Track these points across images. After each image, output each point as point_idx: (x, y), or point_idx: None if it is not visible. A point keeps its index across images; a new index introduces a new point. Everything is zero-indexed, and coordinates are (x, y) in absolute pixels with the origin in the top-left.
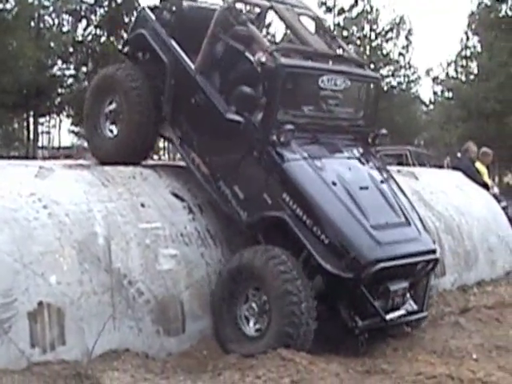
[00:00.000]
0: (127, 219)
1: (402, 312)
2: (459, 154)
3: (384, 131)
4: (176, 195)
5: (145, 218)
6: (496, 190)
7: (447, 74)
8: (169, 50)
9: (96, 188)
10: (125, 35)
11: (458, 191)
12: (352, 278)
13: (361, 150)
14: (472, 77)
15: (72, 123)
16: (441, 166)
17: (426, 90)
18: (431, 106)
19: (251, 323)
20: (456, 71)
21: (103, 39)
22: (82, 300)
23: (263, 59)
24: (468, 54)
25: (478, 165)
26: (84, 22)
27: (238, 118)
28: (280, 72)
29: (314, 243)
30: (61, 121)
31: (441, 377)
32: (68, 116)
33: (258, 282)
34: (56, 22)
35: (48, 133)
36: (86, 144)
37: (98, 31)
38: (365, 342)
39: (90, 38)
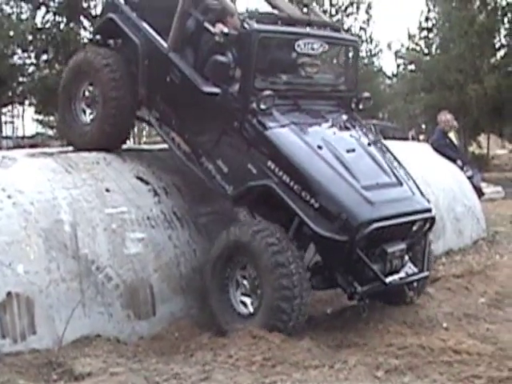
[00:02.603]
0: (93, 205)
1: (401, 275)
2: (424, 126)
3: (367, 94)
4: (141, 179)
5: (110, 203)
6: (459, 162)
7: (408, 47)
8: (139, 31)
9: (60, 175)
10: (85, 21)
11: (423, 162)
12: (346, 240)
13: (344, 116)
14: (433, 48)
15: (35, 111)
16: (406, 139)
17: (388, 64)
18: (394, 79)
19: (245, 301)
20: (417, 44)
21: (63, 26)
22: (50, 288)
23: (225, 30)
24: (429, 25)
25: (452, 135)
26: (43, 9)
27: (214, 89)
28: (254, 37)
29: (304, 208)
30: (24, 110)
31: (412, 347)
32: (30, 104)
33: (246, 257)
34: (14, 10)
35: (11, 122)
36: (50, 132)
37: (58, 18)
38: (366, 308)
39: (49, 25)
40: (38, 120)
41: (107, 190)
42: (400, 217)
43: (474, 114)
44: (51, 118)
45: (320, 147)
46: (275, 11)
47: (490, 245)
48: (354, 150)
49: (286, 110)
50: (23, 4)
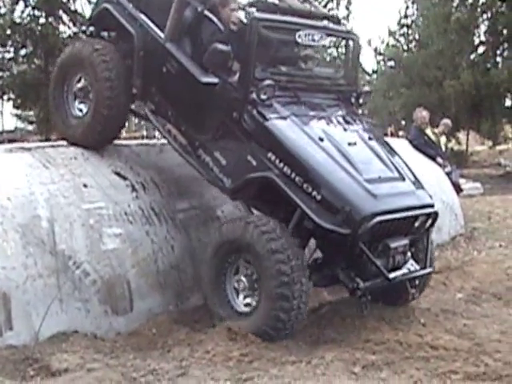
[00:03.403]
0: (70, 200)
1: (404, 271)
2: (403, 122)
3: (367, 89)
4: (118, 174)
5: (88, 199)
6: (439, 160)
7: (387, 43)
8: (135, 21)
9: (37, 170)
10: (64, 16)
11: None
12: (349, 233)
13: (344, 110)
14: (413, 45)
15: (14, 106)
16: (385, 135)
17: (368, 60)
18: (374, 76)
19: (241, 297)
20: (397, 40)
21: (42, 20)
22: (27, 284)
23: (243, 19)
24: (408, 22)
25: (429, 131)
26: (21, 3)
27: (213, 79)
28: (254, 25)
29: (306, 201)
30: (2, 105)
31: (389, 342)
32: (9, 99)
33: (248, 256)
34: None
35: None
36: (29, 127)
37: (36, 12)
38: (368, 305)
39: (27, 19)
40: (16, 115)
41: (85, 186)
42: (403, 211)
43: (452, 111)
44: (30, 113)
45: (321, 139)
46: (275, 1)
47: (468, 241)
48: (355, 144)
49: (286, 101)
50: None
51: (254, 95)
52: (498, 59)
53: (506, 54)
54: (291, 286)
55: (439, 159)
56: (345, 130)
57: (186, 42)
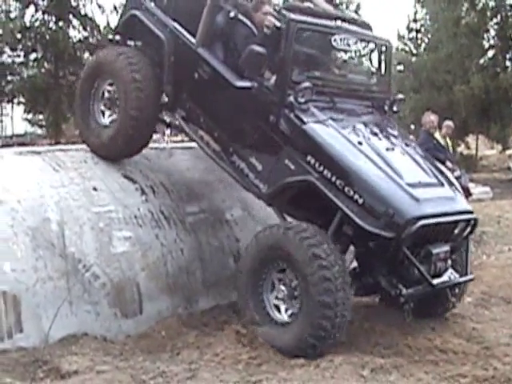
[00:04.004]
0: (80, 203)
1: (445, 278)
2: (412, 126)
3: (401, 96)
4: (128, 177)
5: (97, 202)
6: (449, 164)
7: (397, 47)
8: (165, 27)
9: (47, 174)
10: (74, 20)
11: None
12: (393, 237)
13: (379, 117)
14: (422, 49)
15: (24, 111)
16: None
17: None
18: None
19: (280, 307)
20: (405, 44)
21: (52, 24)
22: (37, 286)
23: (277, 23)
24: (418, 26)
25: (438, 135)
26: (32, 7)
27: (248, 83)
28: (291, 27)
29: (348, 204)
30: (13, 109)
31: (398, 346)
32: (19, 103)
33: (287, 264)
34: (3, 8)
35: (0, 121)
36: (39, 131)
37: (47, 17)
38: (410, 313)
39: (38, 23)
40: (27, 119)
41: (94, 189)
42: (445, 216)
43: (461, 115)
44: (40, 117)
45: (360, 143)
46: (310, 5)
47: (477, 245)
48: (393, 149)
49: (322, 106)
50: (12, 2)
51: (291, 98)
52: (508, 63)
53: None
54: (334, 293)
55: (449, 163)
56: (381, 136)
57: (217, 46)
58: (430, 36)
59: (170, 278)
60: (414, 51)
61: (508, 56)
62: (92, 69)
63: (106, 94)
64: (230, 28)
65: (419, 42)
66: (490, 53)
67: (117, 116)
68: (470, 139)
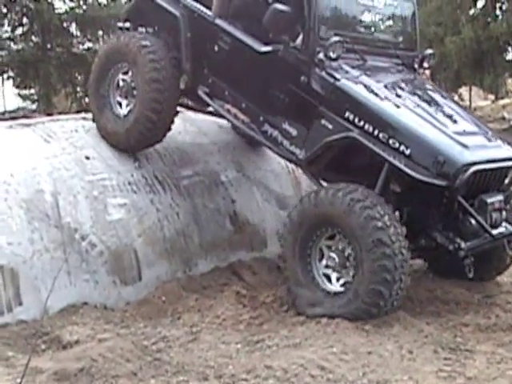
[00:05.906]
0: (73, 173)
1: (503, 230)
2: None
3: (430, 51)
4: None
5: (90, 170)
6: None
7: None
8: (178, 2)
9: (39, 145)
10: None
11: None
12: (447, 185)
13: (410, 73)
14: None
15: (14, 85)
16: None
17: None
18: None
19: (331, 276)
20: None
21: None
22: (34, 259)
23: None
24: None
25: None
26: None
27: (273, 47)
28: None
29: (395, 156)
30: (3, 84)
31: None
32: (8, 78)
33: (338, 229)
34: None
35: None
36: (32, 106)
37: None
38: (472, 268)
39: None
40: (19, 94)
41: (87, 158)
42: (495, 162)
43: (454, 67)
44: (32, 91)
45: (399, 95)
46: None
47: None
48: (432, 101)
49: (353, 64)
50: None
51: (321, 55)
52: (498, 13)
53: (505, 7)
54: (392, 257)
55: None
56: (417, 90)
57: (235, 16)
58: None
59: (167, 243)
60: None
61: (498, 5)
62: (105, 57)
63: (121, 83)
64: None
65: None
66: (480, 3)
67: (134, 105)
68: (464, 91)
